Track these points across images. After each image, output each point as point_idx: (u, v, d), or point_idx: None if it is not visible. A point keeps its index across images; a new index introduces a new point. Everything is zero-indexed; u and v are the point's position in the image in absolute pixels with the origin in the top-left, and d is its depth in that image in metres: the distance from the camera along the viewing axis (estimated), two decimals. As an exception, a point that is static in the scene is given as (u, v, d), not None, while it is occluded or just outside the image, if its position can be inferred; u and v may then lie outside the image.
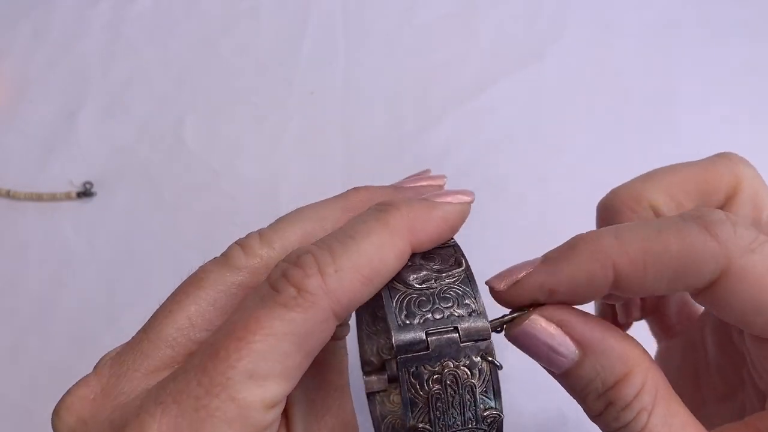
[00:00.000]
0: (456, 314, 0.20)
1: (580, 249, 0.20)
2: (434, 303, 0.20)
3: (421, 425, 0.20)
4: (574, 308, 0.21)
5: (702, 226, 0.20)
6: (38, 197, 0.48)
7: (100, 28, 0.56)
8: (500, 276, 0.22)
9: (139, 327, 0.24)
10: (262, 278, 0.19)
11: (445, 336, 0.20)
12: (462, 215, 0.22)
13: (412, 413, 0.20)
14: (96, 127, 0.52)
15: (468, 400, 0.20)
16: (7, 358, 0.43)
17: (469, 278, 0.21)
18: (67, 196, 0.48)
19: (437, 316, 0.20)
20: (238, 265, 0.21)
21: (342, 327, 0.22)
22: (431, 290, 0.20)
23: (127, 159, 0.50)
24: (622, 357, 0.20)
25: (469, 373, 0.20)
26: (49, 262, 0.46)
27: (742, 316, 0.20)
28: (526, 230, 0.44)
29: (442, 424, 0.20)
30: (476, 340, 0.20)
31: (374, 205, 0.21)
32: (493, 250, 0.42)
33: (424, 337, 0.20)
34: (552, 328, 0.21)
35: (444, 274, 0.21)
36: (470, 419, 0.20)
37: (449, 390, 0.20)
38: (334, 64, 0.52)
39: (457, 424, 0.20)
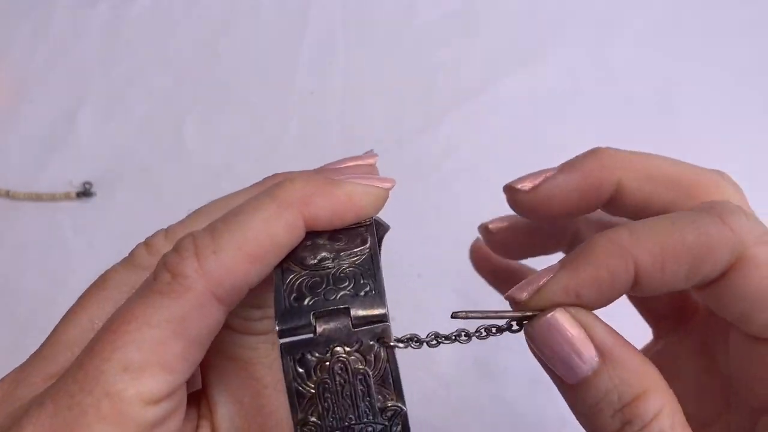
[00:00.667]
0: (349, 294, 0.18)
1: (600, 248, 0.19)
2: (328, 284, 0.18)
3: (311, 419, 0.18)
4: (595, 314, 0.20)
5: (716, 216, 0.19)
6: (38, 197, 0.48)
7: (100, 28, 0.56)
8: (520, 287, 0.20)
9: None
10: None
11: (334, 318, 0.18)
12: (372, 198, 0.20)
13: (299, 405, 0.17)
14: (95, 127, 0.52)
15: (361, 390, 0.18)
16: (7, 358, 0.43)
17: (372, 257, 0.19)
18: (67, 196, 0.48)
19: (329, 297, 0.18)
20: (142, 264, 0.20)
21: (261, 321, 0.20)
22: (327, 270, 0.18)
23: (127, 159, 0.50)
24: (642, 372, 0.19)
25: (362, 359, 0.18)
26: (48, 262, 0.46)
27: (747, 310, 0.19)
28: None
29: (333, 417, 0.18)
30: (371, 323, 0.18)
31: (272, 183, 0.20)
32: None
33: (311, 321, 0.17)
34: (576, 329, 0.19)
35: (344, 253, 0.19)
36: (366, 412, 0.18)
37: (338, 379, 0.18)
38: (334, 64, 0.52)
39: (350, 417, 0.18)
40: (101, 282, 0.20)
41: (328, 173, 0.21)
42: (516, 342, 0.39)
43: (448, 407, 0.37)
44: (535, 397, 0.38)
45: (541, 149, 0.47)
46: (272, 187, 0.19)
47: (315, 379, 0.18)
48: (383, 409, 0.18)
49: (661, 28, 0.50)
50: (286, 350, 0.17)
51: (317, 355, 0.18)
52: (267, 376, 0.20)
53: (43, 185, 0.49)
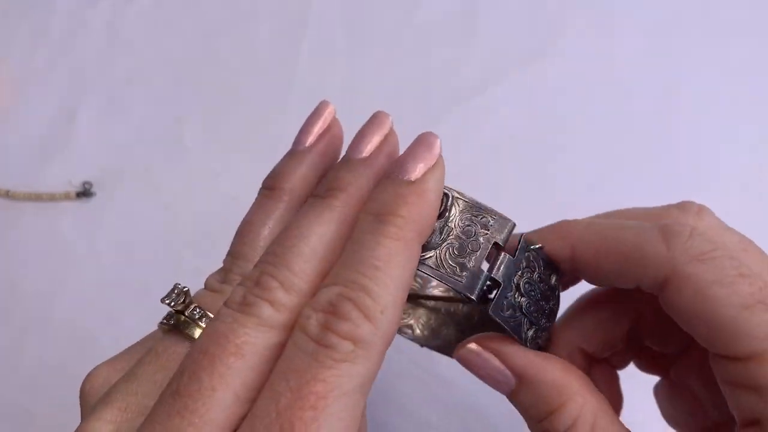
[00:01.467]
0: (482, 235, 0.22)
1: (548, 227, 0.25)
2: (461, 240, 0.21)
3: (530, 332, 0.22)
4: (512, 341, 0.22)
5: (660, 232, 0.21)
6: (37, 197, 0.48)
7: (100, 27, 0.56)
8: None
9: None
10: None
11: (498, 260, 0.22)
12: (442, 173, 0.23)
13: (522, 331, 0.22)
14: (95, 127, 0.51)
15: (542, 287, 0.23)
16: (7, 358, 0.43)
17: (470, 205, 0.22)
18: (67, 196, 0.48)
19: (475, 249, 0.21)
20: (274, 325, 0.18)
21: None
22: (449, 236, 0.21)
23: (127, 159, 0.50)
24: (557, 388, 0.21)
25: (531, 270, 0.23)
26: (48, 262, 0.46)
27: (688, 325, 0.21)
28: (526, 230, 0.44)
29: (537, 315, 0.22)
30: (515, 242, 0.22)
31: (370, 215, 0.20)
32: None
33: (488, 276, 0.21)
34: (487, 355, 0.22)
35: (440, 221, 0.21)
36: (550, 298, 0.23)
37: (531, 295, 0.22)
38: (334, 64, 0.52)
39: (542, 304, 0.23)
40: (236, 349, 0.17)
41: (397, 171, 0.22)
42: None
43: (448, 407, 0.37)
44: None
45: (541, 149, 0.47)
46: (383, 226, 0.19)
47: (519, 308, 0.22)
48: (554, 288, 0.23)
49: (662, 28, 0.50)
50: (494, 312, 0.21)
51: (509, 294, 0.21)
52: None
53: (43, 185, 0.49)
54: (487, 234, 0.21)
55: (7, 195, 0.48)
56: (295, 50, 0.53)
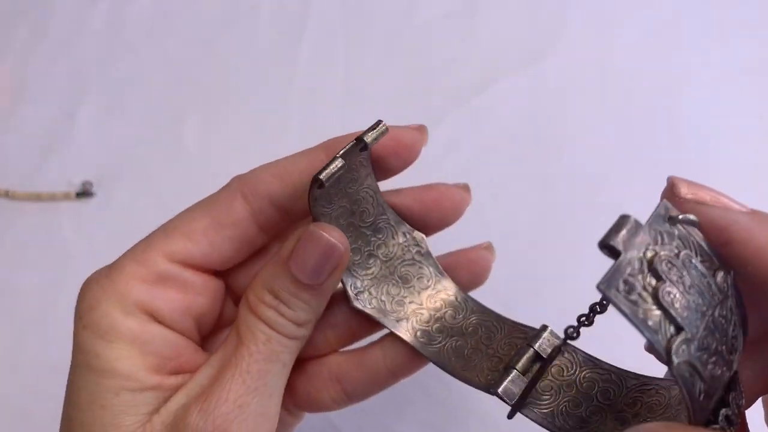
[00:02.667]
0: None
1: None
2: None
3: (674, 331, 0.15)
4: None
5: None
6: (37, 197, 0.48)
7: (99, 27, 0.56)
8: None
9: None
10: None
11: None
12: (416, 134, 0.27)
13: (661, 331, 0.15)
14: (95, 127, 0.51)
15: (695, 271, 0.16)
16: (7, 358, 0.43)
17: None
18: (67, 196, 0.48)
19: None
20: None
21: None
22: None
23: (127, 159, 0.50)
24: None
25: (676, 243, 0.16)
26: (48, 262, 0.46)
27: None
28: (526, 230, 0.44)
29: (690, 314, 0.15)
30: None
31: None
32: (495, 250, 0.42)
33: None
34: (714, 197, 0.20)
35: None
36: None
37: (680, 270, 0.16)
38: (334, 64, 0.52)
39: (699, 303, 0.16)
40: None
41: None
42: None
43: (448, 407, 0.37)
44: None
45: (542, 149, 0.47)
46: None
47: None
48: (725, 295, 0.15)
49: (663, 28, 0.50)
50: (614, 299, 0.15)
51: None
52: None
53: (43, 185, 0.49)
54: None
55: (7, 195, 0.48)
56: (295, 50, 0.53)
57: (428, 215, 0.26)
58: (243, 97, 0.52)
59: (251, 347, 0.22)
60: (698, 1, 0.51)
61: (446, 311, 0.28)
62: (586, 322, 0.22)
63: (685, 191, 0.19)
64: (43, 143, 0.51)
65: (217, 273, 0.25)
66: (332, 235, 0.22)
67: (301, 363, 0.26)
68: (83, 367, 0.22)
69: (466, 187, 0.27)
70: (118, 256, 0.24)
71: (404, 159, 0.26)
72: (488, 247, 0.29)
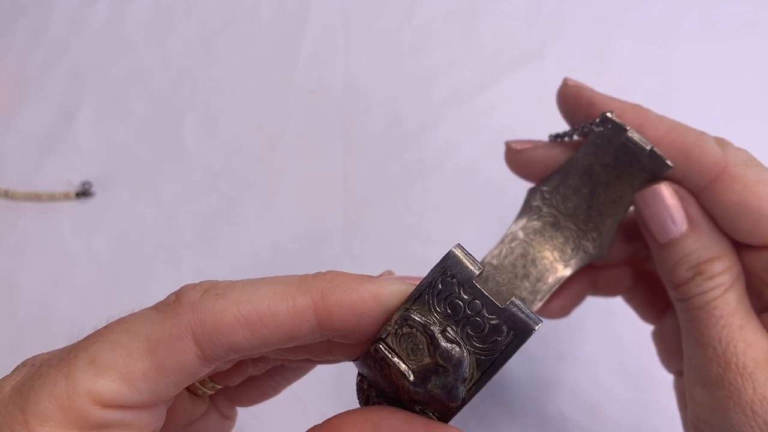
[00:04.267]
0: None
1: (632, 105, 0.30)
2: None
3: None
4: (690, 194, 0.26)
5: (716, 140, 0.26)
6: (37, 197, 0.48)
7: (99, 27, 0.56)
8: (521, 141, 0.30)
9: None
10: None
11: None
12: (398, 295, 0.19)
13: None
14: (95, 127, 0.51)
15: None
16: (7, 358, 0.43)
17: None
18: (66, 196, 0.48)
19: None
20: None
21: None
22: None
23: (126, 159, 0.50)
24: (719, 242, 0.25)
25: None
26: (47, 262, 0.46)
27: (730, 219, 0.25)
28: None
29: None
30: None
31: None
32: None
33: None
34: (674, 199, 0.25)
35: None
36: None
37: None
38: (334, 64, 0.52)
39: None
40: None
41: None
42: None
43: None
44: (535, 396, 0.38)
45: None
46: (306, 275, 0.19)
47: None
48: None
49: (662, 28, 0.50)
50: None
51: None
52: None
53: (42, 185, 0.49)
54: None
55: (7, 195, 0.48)
56: (295, 50, 0.53)
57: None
58: (243, 97, 0.52)
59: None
60: (698, 1, 0.51)
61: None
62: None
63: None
64: (43, 143, 0.51)
65: None
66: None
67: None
68: None
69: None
70: (25, 383, 0.18)
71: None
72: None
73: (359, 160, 0.47)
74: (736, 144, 0.26)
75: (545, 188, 0.29)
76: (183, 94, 0.52)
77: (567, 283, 0.29)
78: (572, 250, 0.29)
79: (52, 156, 0.50)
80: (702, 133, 0.26)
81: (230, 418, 0.27)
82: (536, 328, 0.19)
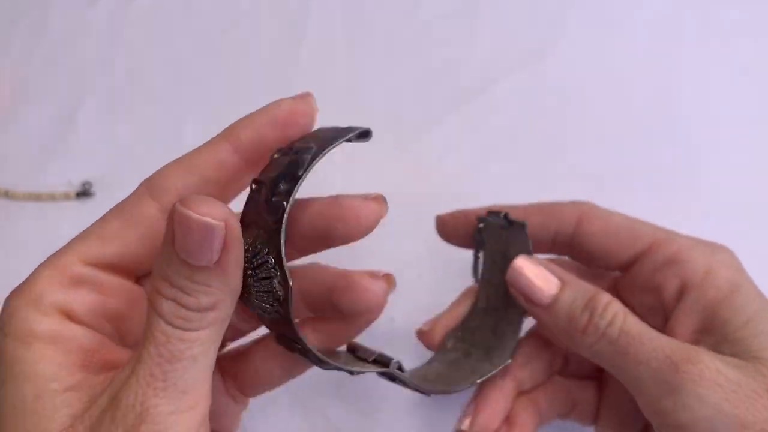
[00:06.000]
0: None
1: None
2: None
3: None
4: (548, 261, 0.30)
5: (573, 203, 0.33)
6: (37, 197, 0.48)
7: (100, 27, 0.56)
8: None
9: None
10: None
11: None
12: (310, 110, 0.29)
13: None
14: (95, 127, 0.51)
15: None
16: (6, 358, 0.43)
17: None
18: (66, 196, 0.48)
19: None
20: None
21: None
22: None
23: (127, 159, 0.50)
24: (588, 286, 0.28)
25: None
26: (48, 262, 0.46)
27: (602, 247, 0.31)
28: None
29: None
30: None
31: None
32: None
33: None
34: (537, 268, 0.29)
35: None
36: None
37: None
38: (334, 64, 0.52)
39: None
40: None
41: None
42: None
43: (448, 407, 0.37)
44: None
45: (542, 149, 0.47)
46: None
47: None
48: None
49: (662, 27, 0.50)
50: None
51: None
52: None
53: (43, 185, 0.49)
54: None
55: (7, 195, 0.48)
56: (295, 50, 0.53)
57: (331, 231, 0.24)
58: (243, 97, 0.52)
59: (150, 349, 0.20)
60: (698, 2, 0.51)
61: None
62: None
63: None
64: (43, 143, 0.51)
65: (138, 279, 0.26)
66: (203, 212, 0.19)
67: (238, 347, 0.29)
68: (7, 378, 0.21)
69: (378, 199, 0.25)
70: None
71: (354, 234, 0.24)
72: (387, 277, 0.26)
73: (359, 160, 0.47)
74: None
75: (459, 333, 0.34)
76: (184, 95, 0.52)
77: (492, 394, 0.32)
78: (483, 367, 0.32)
79: (53, 156, 0.50)
80: (554, 202, 0.33)
81: (240, 402, 0.29)
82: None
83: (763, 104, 0.47)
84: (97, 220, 0.25)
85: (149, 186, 0.25)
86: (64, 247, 0.24)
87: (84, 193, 0.48)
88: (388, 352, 0.28)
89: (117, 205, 0.25)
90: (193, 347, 0.20)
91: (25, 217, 0.48)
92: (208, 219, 0.19)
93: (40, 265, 0.24)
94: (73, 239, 0.25)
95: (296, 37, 0.54)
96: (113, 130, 0.51)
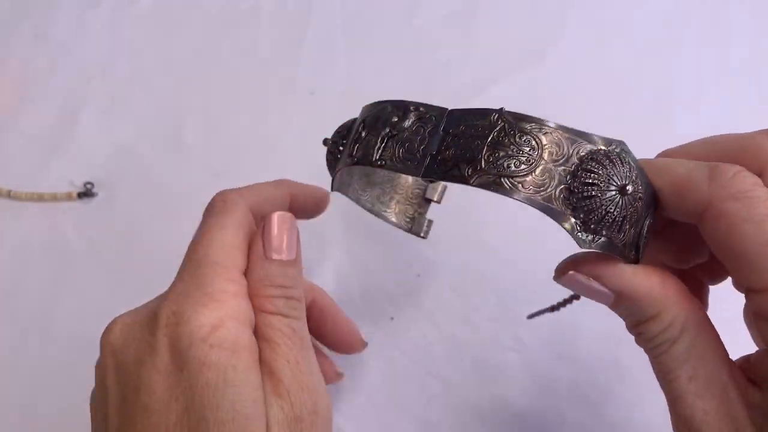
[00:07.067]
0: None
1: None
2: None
3: None
4: (611, 263, 0.24)
5: (708, 169, 0.23)
6: (39, 197, 0.49)
7: (101, 28, 0.56)
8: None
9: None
10: None
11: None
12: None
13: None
14: (97, 128, 0.52)
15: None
16: (8, 358, 0.43)
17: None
18: (68, 197, 0.48)
19: None
20: None
21: None
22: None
23: (128, 159, 0.50)
24: (651, 303, 0.23)
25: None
26: (49, 262, 0.46)
27: (721, 257, 0.22)
28: (527, 230, 0.44)
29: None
30: None
31: None
32: (494, 251, 0.42)
33: None
34: (585, 279, 0.24)
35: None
36: None
37: None
38: (334, 64, 0.52)
39: None
40: None
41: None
42: (515, 342, 0.40)
43: (448, 407, 0.37)
44: (535, 396, 0.38)
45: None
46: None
47: None
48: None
49: (662, 27, 0.50)
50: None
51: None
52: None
53: (45, 185, 0.49)
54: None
55: (9, 195, 0.49)
56: (296, 50, 0.53)
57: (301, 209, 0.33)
58: (243, 98, 0.52)
59: (287, 341, 0.24)
60: (698, 1, 0.51)
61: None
62: None
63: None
64: (45, 144, 0.51)
65: None
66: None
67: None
68: (218, 383, 0.23)
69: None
70: (182, 293, 0.26)
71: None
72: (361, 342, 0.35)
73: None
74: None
75: None
76: (184, 95, 0.52)
77: None
78: None
79: (55, 157, 0.50)
80: (692, 167, 0.24)
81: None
82: None
83: (763, 104, 0.47)
84: (223, 233, 0.28)
85: (244, 198, 0.30)
86: (199, 274, 0.26)
87: (86, 193, 0.48)
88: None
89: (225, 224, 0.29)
90: (304, 330, 0.25)
91: (27, 218, 0.48)
92: (287, 213, 0.28)
93: (204, 288, 0.25)
94: (224, 251, 0.26)
95: (296, 37, 0.54)
96: (115, 130, 0.51)
